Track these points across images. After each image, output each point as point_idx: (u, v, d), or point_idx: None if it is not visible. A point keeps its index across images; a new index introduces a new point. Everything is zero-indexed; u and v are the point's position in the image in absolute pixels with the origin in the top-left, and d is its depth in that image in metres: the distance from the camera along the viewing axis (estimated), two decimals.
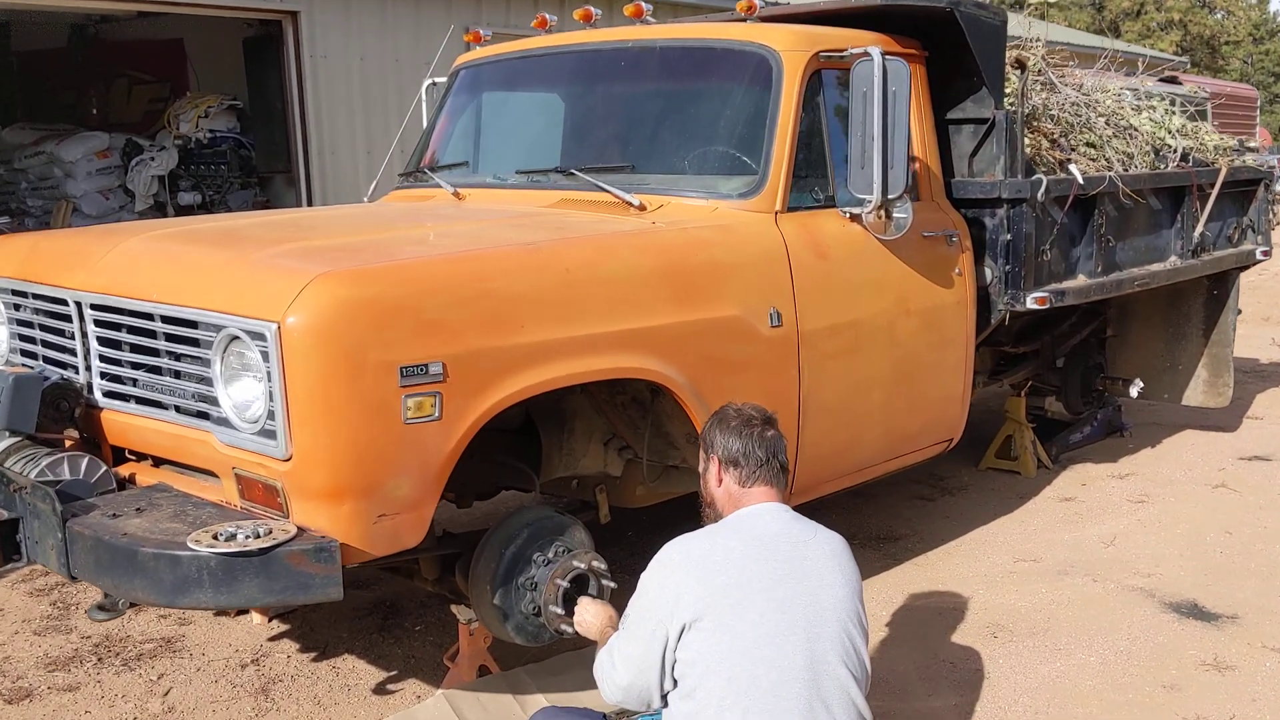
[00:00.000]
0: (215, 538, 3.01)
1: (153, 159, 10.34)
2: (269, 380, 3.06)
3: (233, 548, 2.97)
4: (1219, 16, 51.54)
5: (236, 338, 3.14)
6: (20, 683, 4.23)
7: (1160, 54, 26.86)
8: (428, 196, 5.01)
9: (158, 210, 10.48)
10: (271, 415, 3.08)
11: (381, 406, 3.08)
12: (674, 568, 2.78)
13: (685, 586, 2.72)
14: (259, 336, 3.05)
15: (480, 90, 5.43)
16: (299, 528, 3.08)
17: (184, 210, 10.34)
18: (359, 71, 10.08)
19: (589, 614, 3.37)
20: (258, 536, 3.01)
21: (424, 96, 5.97)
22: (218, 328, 3.19)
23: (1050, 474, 6.67)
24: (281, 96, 9.85)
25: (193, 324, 3.29)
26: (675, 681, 2.75)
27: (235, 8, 9.46)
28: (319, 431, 3.04)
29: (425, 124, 5.80)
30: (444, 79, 5.78)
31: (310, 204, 9.80)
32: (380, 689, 4.20)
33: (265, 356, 3.05)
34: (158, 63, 11.52)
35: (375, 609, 4.85)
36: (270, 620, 4.71)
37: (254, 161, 10.59)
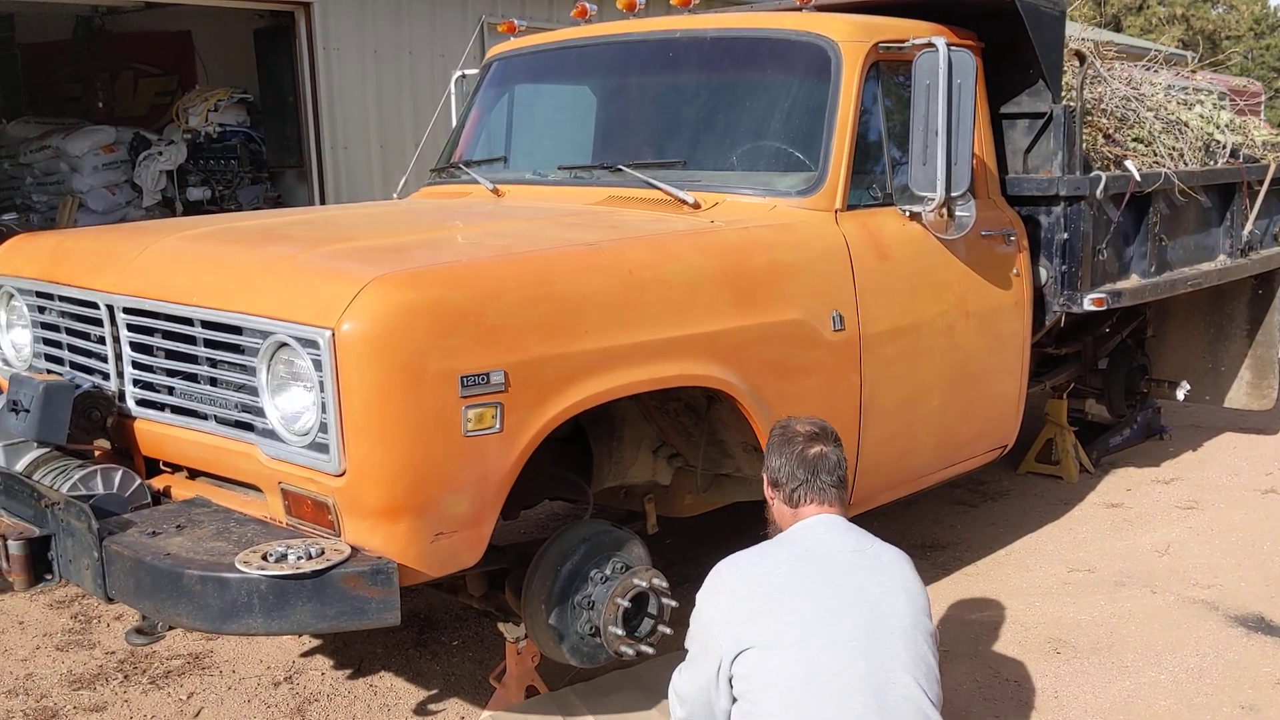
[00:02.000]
0: (265, 558, 2.82)
1: (161, 153, 10.12)
2: (321, 390, 2.86)
3: (284, 569, 2.78)
4: (1220, 11, 51.36)
5: (285, 345, 2.95)
6: (45, 702, 4.04)
7: (1166, 49, 26.70)
8: (463, 193, 4.82)
9: (166, 206, 10.27)
10: (324, 428, 2.89)
11: (441, 418, 2.89)
12: (724, 585, 2.79)
13: (736, 602, 2.72)
14: (311, 344, 2.86)
15: (515, 83, 5.24)
16: (352, 547, 2.89)
17: (193, 206, 10.13)
18: (372, 64, 9.86)
19: None
20: (310, 558, 2.82)
21: (453, 89, 5.77)
22: (264, 334, 2.99)
23: (1092, 479, 6.49)
24: (293, 89, 9.63)
25: (237, 329, 3.09)
26: (734, 697, 2.69)
27: None
28: (375, 445, 2.85)
29: (455, 118, 5.61)
30: (474, 71, 5.59)
31: (323, 199, 9.60)
32: (421, 709, 4.02)
33: (318, 365, 2.85)
34: (165, 55, 11.30)
35: (410, 623, 4.66)
36: (301, 635, 4.52)
37: (264, 156, 10.37)
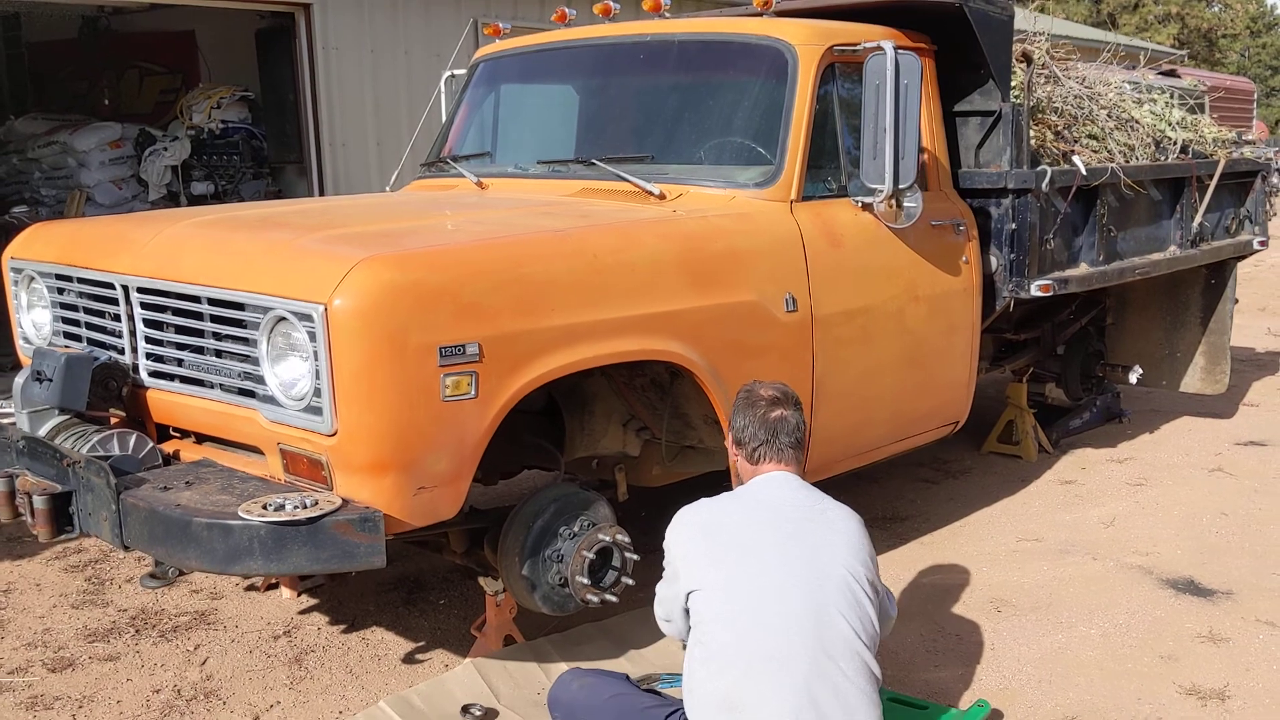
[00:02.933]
0: (265, 508, 3.18)
1: (166, 149, 10.46)
2: (315, 360, 3.21)
3: (282, 517, 3.13)
4: (1216, 10, 51.62)
5: (283, 319, 3.30)
6: (62, 653, 4.39)
7: (1159, 47, 27.00)
8: (451, 186, 5.16)
9: (170, 200, 10.61)
10: (318, 393, 3.24)
11: (422, 385, 3.24)
12: (685, 527, 3.07)
13: (693, 544, 3.01)
14: (306, 318, 3.21)
15: (499, 82, 5.58)
16: (343, 499, 3.24)
17: (197, 200, 10.47)
18: (370, 63, 10.21)
19: None
20: (305, 507, 3.17)
21: (443, 88, 6.11)
22: (265, 309, 3.35)
23: (1051, 458, 6.84)
24: (293, 88, 9.98)
25: (240, 306, 3.44)
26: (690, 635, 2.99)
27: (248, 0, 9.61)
28: (363, 408, 3.20)
29: (444, 115, 5.95)
30: (462, 71, 5.93)
31: (322, 194, 9.94)
32: (409, 659, 4.37)
33: (312, 337, 3.20)
34: (169, 54, 11.64)
35: (400, 584, 5.02)
36: (299, 595, 4.87)
37: (266, 152, 10.71)
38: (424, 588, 5.00)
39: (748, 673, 2.81)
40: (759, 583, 2.89)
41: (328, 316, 3.16)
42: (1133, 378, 7.02)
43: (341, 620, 4.68)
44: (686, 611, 3.01)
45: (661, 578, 3.14)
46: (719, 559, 2.96)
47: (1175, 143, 6.59)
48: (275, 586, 4.92)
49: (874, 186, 4.46)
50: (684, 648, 3.06)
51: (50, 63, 12.71)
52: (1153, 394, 8.03)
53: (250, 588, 4.94)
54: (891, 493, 6.22)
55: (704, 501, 3.12)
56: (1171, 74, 12.40)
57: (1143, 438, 7.30)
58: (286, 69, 10.03)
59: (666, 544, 3.10)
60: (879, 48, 4.35)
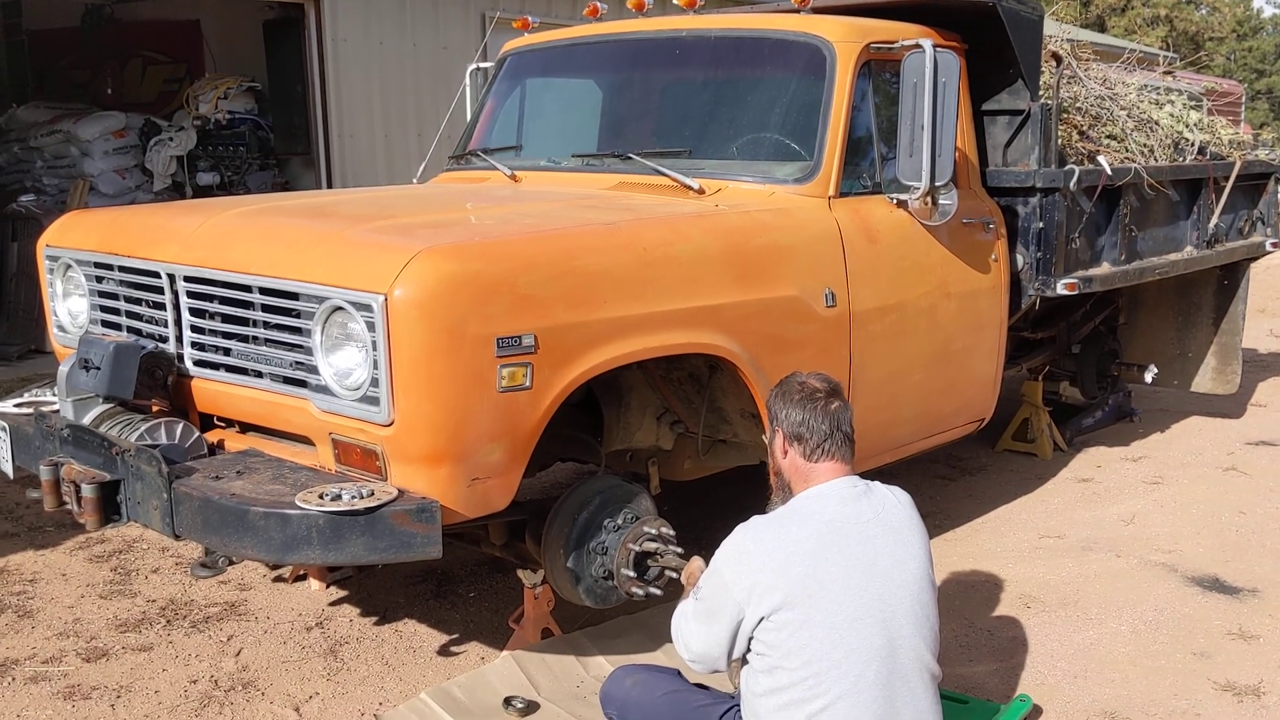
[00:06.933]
0: (322, 498, 3.17)
1: (171, 139, 10.42)
2: (373, 350, 3.21)
3: (340, 507, 3.12)
4: (1204, 13, 51.90)
5: (340, 309, 3.29)
6: (95, 643, 4.37)
7: (1150, 49, 27.12)
8: (481, 178, 5.16)
9: (176, 190, 10.57)
10: (374, 383, 3.23)
11: (479, 375, 3.24)
12: (749, 557, 2.84)
13: (760, 577, 2.79)
14: (365, 308, 3.20)
15: (528, 75, 5.58)
16: (399, 490, 3.24)
17: (202, 190, 10.43)
18: (378, 55, 10.20)
19: (695, 564, 3.46)
20: (362, 497, 3.17)
21: (468, 82, 6.10)
22: (320, 299, 3.34)
23: (1065, 456, 6.88)
24: (301, 79, 9.96)
25: (293, 296, 3.43)
26: (749, 650, 2.86)
27: None
28: (421, 398, 3.19)
29: (470, 108, 5.94)
30: (488, 64, 5.92)
31: (329, 185, 9.92)
32: (444, 651, 4.37)
33: (370, 327, 3.20)
34: (173, 43, 11.59)
35: (428, 577, 5.01)
36: (328, 586, 4.87)
37: (272, 143, 10.68)
38: (452, 580, 5.00)
39: (825, 709, 2.76)
40: (835, 618, 2.77)
41: (387, 307, 3.15)
42: (1148, 377, 7.06)
43: (372, 612, 4.68)
44: (743, 642, 2.85)
45: (693, 607, 2.97)
46: (792, 592, 2.78)
47: (1193, 144, 6.64)
48: (303, 578, 4.91)
49: (910, 183, 4.48)
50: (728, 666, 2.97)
51: (51, 51, 12.63)
52: (1161, 393, 8.08)
53: (278, 579, 4.93)
54: (909, 489, 6.00)
55: (766, 526, 2.90)
56: (1170, 76, 12.51)
57: (1154, 436, 7.35)
58: (294, 60, 10.02)
59: (720, 567, 2.90)
60: (918, 46, 4.37)
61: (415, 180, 5.76)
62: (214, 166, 10.52)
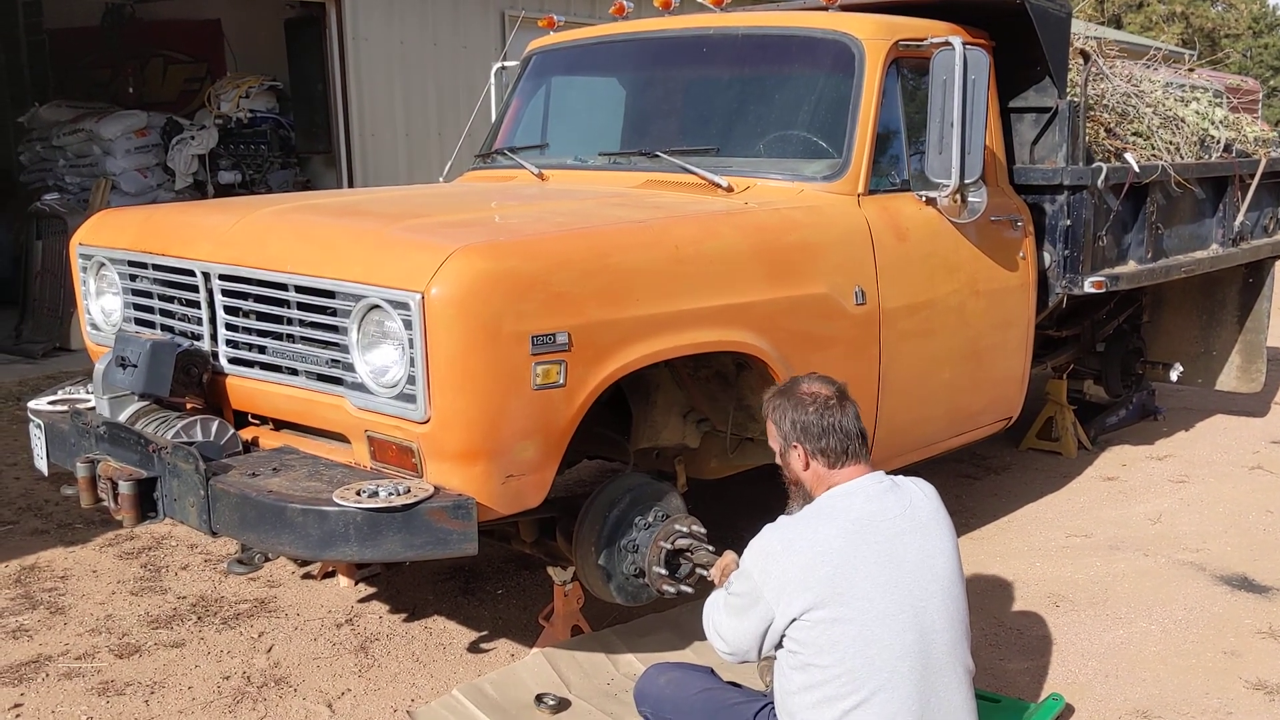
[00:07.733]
0: (359, 494, 3.19)
1: (193, 138, 10.47)
2: (410, 347, 3.22)
3: (377, 504, 3.14)
4: (1220, 9, 51.67)
5: (376, 307, 3.30)
6: (127, 639, 4.40)
7: (1173, 48, 27.02)
8: (509, 177, 5.17)
9: (197, 189, 10.62)
10: (411, 380, 3.24)
11: (514, 373, 3.25)
12: (777, 559, 2.84)
13: (790, 577, 2.80)
14: (402, 306, 3.21)
15: (554, 74, 5.58)
16: (435, 486, 3.25)
17: (224, 189, 10.48)
18: (399, 54, 10.22)
19: (728, 558, 3.47)
20: (399, 494, 3.18)
21: (493, 81, 6.11)
22: (357, 297, 3.35)
23: (1090, 455, 6.87)
24: (323, 78, 10.00)
25: (329, 294, 3.44)
26: (780, 646, 2.87)
27: None
28: (457, 396, 3.20)
29: (495, 107, 5.95)
30: (514, 63, 5.93)
31: (351, 184, 9.96)
32: (474, 648, 4.38)
33: (407, 325, 3.21)
34: (194, 42, 11.65)
35: (455, 574, 5.03)
36: (356, 583, 4.89)
37: (294, 142, 10.72)
38: (480, 577, 5.02)
39: (859, 705, 2.76)
40: (867, 615, 2.77)
41: (424, 304, 3.16)
42: (1173, 375, 7.04)
43: (401, 609, 4.70)
44: (775, 637, 2.86)
45: (726, 603, 2.98)
46: (822, 591, 2.78)
47: (1219, 141, 6.61)
48: (332, 574, 4.94)
49: (939, 181, 4.47)
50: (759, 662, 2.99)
51: (73, 50, 12.69)
52: (1183, 391, 8.06)
53: (307, 575, 4.95)
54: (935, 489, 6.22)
55: (793, 526, 2.90)
56: (1190, 73, 12.46)
57: (1179, 434, 7.33)
58: (315, 59, 10.05)
59: (749, 568, 2.91)
60: (947, 43, 4.36)
61: (441, 178, 5.77)
62: (235, 165, 10.57)
